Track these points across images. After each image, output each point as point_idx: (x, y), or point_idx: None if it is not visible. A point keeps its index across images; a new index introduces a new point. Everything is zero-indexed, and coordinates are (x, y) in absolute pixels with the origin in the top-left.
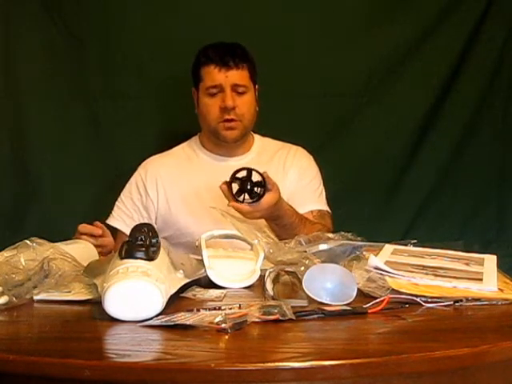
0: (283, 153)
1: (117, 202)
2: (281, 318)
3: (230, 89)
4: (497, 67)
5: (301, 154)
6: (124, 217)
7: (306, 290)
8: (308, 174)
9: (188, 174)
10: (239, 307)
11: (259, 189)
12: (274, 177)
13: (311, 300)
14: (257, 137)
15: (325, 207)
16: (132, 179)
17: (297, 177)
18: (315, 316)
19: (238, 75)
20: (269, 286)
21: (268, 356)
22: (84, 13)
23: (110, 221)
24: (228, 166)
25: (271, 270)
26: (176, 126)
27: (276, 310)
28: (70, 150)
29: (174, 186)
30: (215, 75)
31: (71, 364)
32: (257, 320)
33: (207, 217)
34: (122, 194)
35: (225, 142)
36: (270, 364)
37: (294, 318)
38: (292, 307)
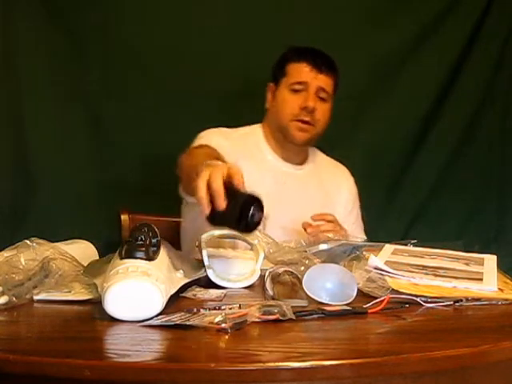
0: (336, 173)
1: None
2: (281, 318)
3: (314, 91)
4: (497, 67)
5: (351, 180)
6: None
7: (306, 289)
8: (354, 205)
9: (253, 167)
10: (239, 307)
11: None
12: (326, 196)
13: (311, 300)
14: (309, 149)
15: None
16: (210, 135)
17: (347, 205)
18: (315, 316)
19: (326, 80)
20: (269, 286)
21: (268, 356)
22: (84, 12)
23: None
24: (291, 174)
25: (271, 269)
26: (176, 127)
27: (276, 310)
28: (70, 150)
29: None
30: (305, 72)
31: (71, 364)
32: (257, 320)
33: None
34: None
35: (292, 143)
36: (270, 364)
37: (294, 317)
38: (292, 307)
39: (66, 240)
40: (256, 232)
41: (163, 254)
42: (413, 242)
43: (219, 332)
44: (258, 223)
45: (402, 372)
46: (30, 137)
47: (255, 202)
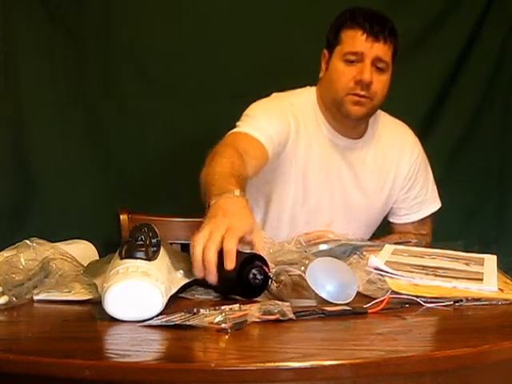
0: (398, 143)
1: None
2: (281, 318)
3: (370, 61)
4: (497, 67)
5: (416, 150)
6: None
7: (308, 280)
8: (419, 174)
9: (307, 143)
10: (239, 307)
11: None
12: (383, 171)
13: (319, 300)
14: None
15: (429, 210)
16: (260, 115)
17: (407, 184)
18: (315, 316)
19: (383, 49)
20: (270, 286)
21: (268, 356)
22: (84, 13)
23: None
24: (343, 150)
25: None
26: (176, 127)
27: (276, 310)
28: (70, 150)
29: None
30: (359, 42)
31: (71, 364)
32: (257, 320)
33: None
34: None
35: (347, 117)
36: (270, 364)
37: (294, 317)
38: (294, 307)
39: (66, 240)
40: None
41: (163, 254)
42: (413, 241)
43: (219, 332)
44: (264, 284)
45: (401, 372)
46: (30, 137)
47: (254, 261)
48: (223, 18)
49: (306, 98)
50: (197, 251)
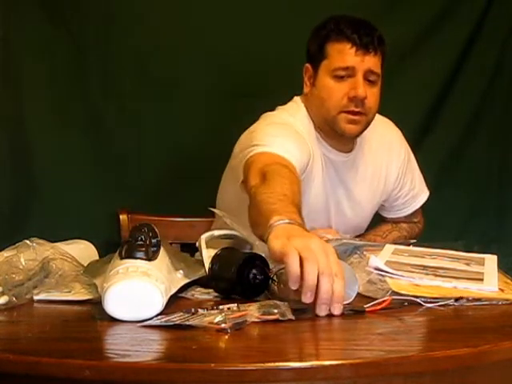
0: (385, 146)
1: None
2: (280, 318)
3: (362, 75)
4: (497, 67)
5: (402, 147)
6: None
7: None
8: (407, 170)
9: (315, 163)
10: (237, 307)
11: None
12: (373, 180)
13: None
14: None
15: (420, 202)
16: (285, 141)
17: (398, 184)
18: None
19: (374, 61)
20: (272, 286)
21: (268, 356)
22: (84, 13)
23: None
24: (338, 169)
25: (272, 269)
26: (177, 127)
27: (276, 310)
28: (70, 150)
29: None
30: (349, 56)
31: (71, 364)
32: (256, 320)
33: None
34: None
35: (342, 136)
36: (269, 364)
37: (293, 318)
38: (297, 307)
39: (66, 240)
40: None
41: (163, 254)
42: (413, 241)
43: (219, 332)
44: (264, 284)
45: (402, 372)
46: (30, 137)
47: (254, 261)
48: (223, 18)
49: (301, 114)
50: (295, 264)
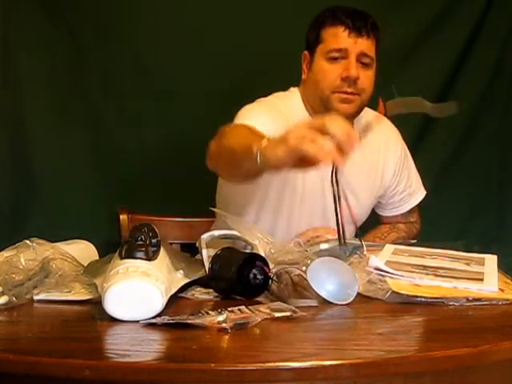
0: (382, 141)
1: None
2: (294, 315)
3: (355, 57)
4: (497, 67)
5: (399, 144)
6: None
7: (308, 280)
8: (404, 167)
9: None
10: (247, 308)
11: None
12: (370, 173)
13: (319, 300)
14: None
15: (416, 199)
16: (255, 116)
17: (395, 181)
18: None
19: (367, 44)
20: (272, 286)
21: (268, 356)
22: (84, 13)
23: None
24: None
25: (273, 270)
26: (177, 127)
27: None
28: (70, 150)
29: None
30: (343, 38)
31: (71, 364)
32: (262, 318)
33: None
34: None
35: None
36: (270, 364)
37: (305, 314)
38: (298, 307)
39: (66, 240)
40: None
41: (163, 254)
42: (413, 241)
43: (220, 332)
44: (264, 284)
45: (402, 372)
46: (30, 137)
47: (254, 261)
48: (223, 18)
49: (294, 101)
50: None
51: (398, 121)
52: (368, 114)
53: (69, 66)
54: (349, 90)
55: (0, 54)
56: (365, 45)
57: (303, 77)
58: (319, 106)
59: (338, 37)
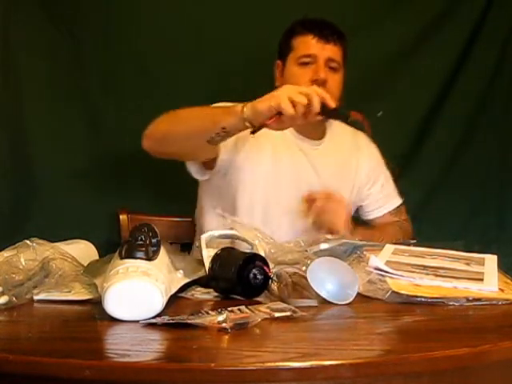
0: (355, 144)
1: None
2: (294, 315)
3: (323, 61)
4: (497, 67)
5: (372, 148)
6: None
7: (309, 280)
8: (379, 171)
9: (270, 143)
10: (247, 307)
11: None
12: (344, 171)
13: (319, 299)
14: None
15: (398, 201)
16: None
17: (370, 179)
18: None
19: (334, 50)
20: (272, 286)
21: (268, 356)
22: (84, 13)
23: None
24: (309, 153)
25: (273, 270)
26: None
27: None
28: (70, 150)
29: (256, 150)
30: (311, 45)
31: (71, 364)
32: (268, 317)
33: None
34: None
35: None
36: (269, 364)
37: (305, 314)
38: (298, 307)
39: (66, 240)
40: (256, 233)
41: (163, 254)
42: (413, 241)
43: (220, 332)
44: (264, 283)
45: (402, 372)
46: (30, 137)
47: (254, 261)
48: (224, 18)
49: None
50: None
51: (398, 121)
52: (341, 128)
53: (69, 65)
54: None
55: (0, 54)
56: (332, 51)
57: (276, 84)
58: None
59: (308, 44)
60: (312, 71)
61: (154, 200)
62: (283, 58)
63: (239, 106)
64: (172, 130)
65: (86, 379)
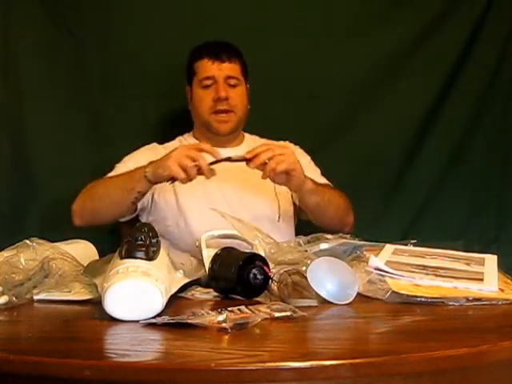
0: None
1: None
2: (294, 315)
3: (223, 80)
4: (497, 67)
5: (307, 158)
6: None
7: (309, 280)
8: (310, 171)
9: None
10: (242, 309)
11: None
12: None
13: (319, 299)
14: (246, 134)
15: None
16: (137, 153)
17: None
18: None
19: (230, 68)
20: (272, 286)
21: (268, 356)
22: (84, 13)
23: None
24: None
25: (273, 270)
26: (177, 127)
27: (285, 308)
28: (70, 150)
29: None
30: (209, 67)
31: (71, 364)
32: (268, 317)
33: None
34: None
35: (217, 134)
36: (270, 364)
37: (305, 314)
38: (298, 307)
39: (66, 240)
40: (256, 233)
41: (163, 254)
42: (413, 241)
43: (220, 332)
44: (264, 284)
45: (401, 372)
46: (30, 137)
47: (254, 261)
48: (224, 18)
49: (186, 135)
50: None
51: (398, 121)
52: (260, 141)
53: (69, 66)
54: (222, 107)
55: (0, 54)
56: (229, 69)
57: (189, 108)
58: (204, 130)
59: (206, 67)
60: (214, 91)
61: None
62: (190, 82)
63: (141, 170)
64: (96, 207)
65: (86, 379)
